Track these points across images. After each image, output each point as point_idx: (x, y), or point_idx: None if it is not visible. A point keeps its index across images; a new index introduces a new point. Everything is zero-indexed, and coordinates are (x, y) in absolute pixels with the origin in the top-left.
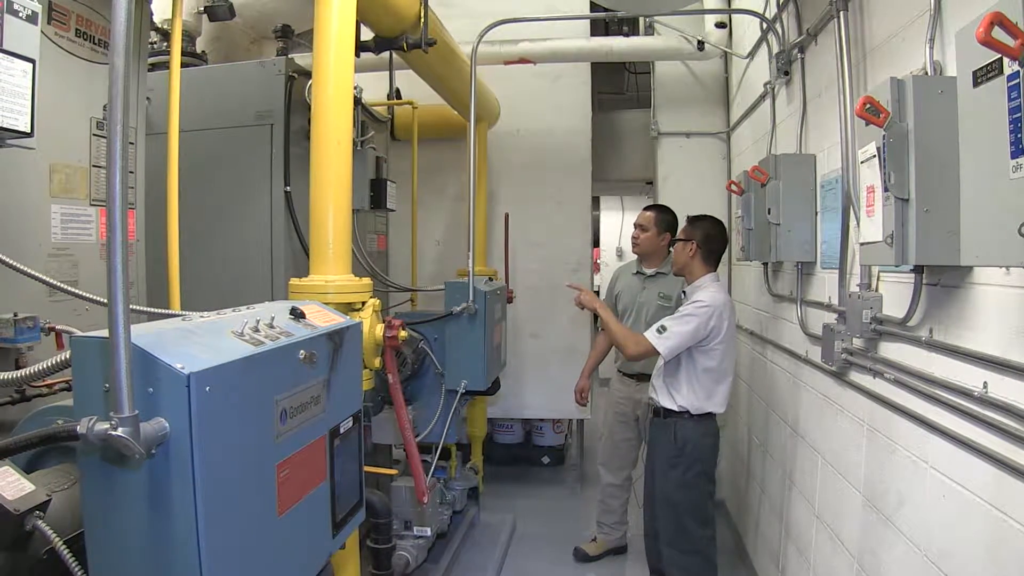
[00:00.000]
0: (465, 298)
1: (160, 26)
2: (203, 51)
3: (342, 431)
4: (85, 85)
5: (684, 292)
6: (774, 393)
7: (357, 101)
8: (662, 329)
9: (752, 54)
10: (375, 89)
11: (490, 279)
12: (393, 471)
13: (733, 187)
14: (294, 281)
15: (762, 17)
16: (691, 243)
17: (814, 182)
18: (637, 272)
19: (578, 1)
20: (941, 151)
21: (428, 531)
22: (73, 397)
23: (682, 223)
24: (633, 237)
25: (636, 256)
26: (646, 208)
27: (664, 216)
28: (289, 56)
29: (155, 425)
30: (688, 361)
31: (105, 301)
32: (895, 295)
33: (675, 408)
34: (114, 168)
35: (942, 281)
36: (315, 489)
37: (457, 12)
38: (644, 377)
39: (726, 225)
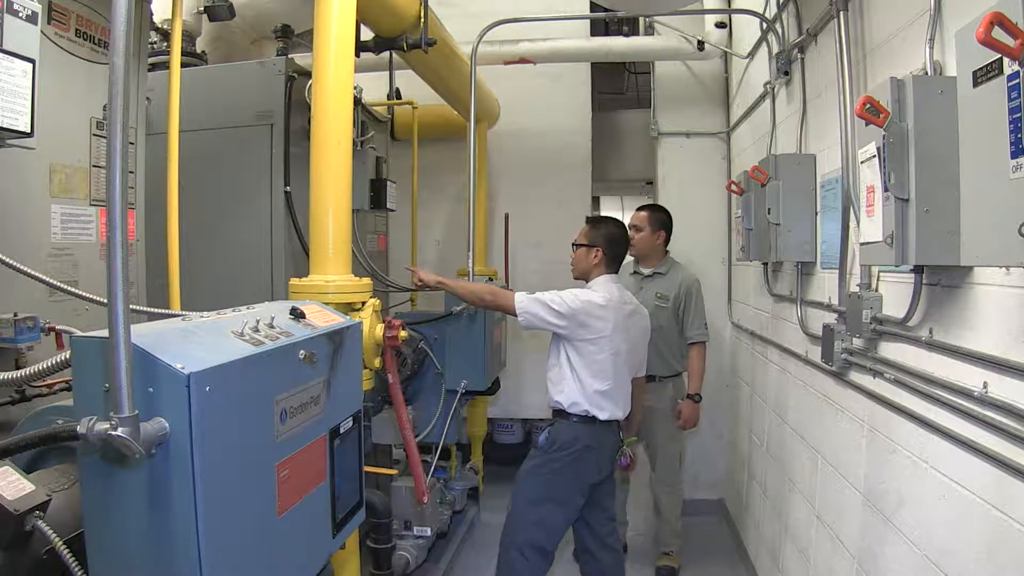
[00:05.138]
0: None
1: (160, 26)
2: (203, 51)
3: (342, 431)
4: (85, 85)
5: None
6: (774, 393)
7: (357, 101)
8: (532, 292)
9: (752, 54)
10: (375, 89)
11: (490, 279)
12: (393, 471)
13: (733, 187)
14: (294, 281)
15: (762, 17)
16: (596, 249)
17: (814, 182)
18: (634, 272)
19: (578, 1)
20: (941, 151)
21: (428, 531)
22: (73, 397)
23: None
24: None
25: (633, 257)
26: (639, 208)
27: (658, 215)
28: (289, 56)
29: (155, 425)
30: (567, 355)
31: (105, 301)
32: (895, 295)
33: (557, 406)
34: (114, 168)
35: (942, 281)
36: (315, 489)
37: (457, 12)
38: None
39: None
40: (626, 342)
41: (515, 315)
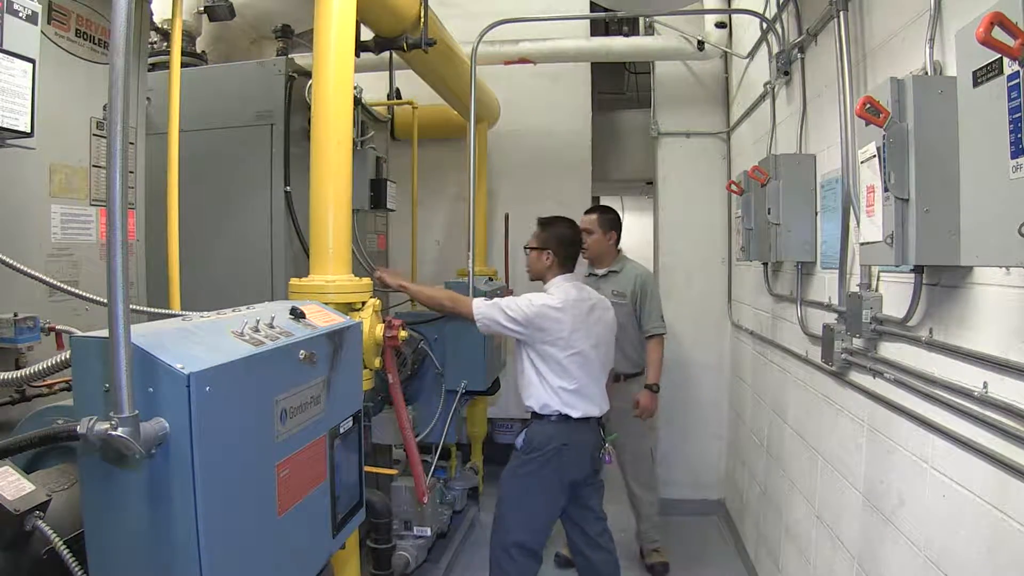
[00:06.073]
0: None
1: (160, 26)
2: (203, 51)
3: (342, 431)
4: (85, 85)
5: None
6: (774, 393)
7: (357, 101)
8: (491, 298)
9: (752, 54)
10: (375, 89)
11: (490, 279)
12: (393, 471)
13: (733, 187)
14: (294, 281)
15: (762, 17)
16: (547, 252)
17: (814, 182)
18: (590, 274)
19: (578, 1)
20: (941, 151)
21: (428, 531)
22: (73, 397)
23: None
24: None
25: (587, 260)
26: (587, 211)
27: (607, 216)
28: (289, 56)
29: (155, 425)
30: (530, 359)
31: (105, 301)
32: (895, 295)
33: (530, 410)
34: (114, 168)
35: (942, 281)
36: (315, 489)
37: (457, 12)
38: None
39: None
40: (589, 339)
41: (473, 321)
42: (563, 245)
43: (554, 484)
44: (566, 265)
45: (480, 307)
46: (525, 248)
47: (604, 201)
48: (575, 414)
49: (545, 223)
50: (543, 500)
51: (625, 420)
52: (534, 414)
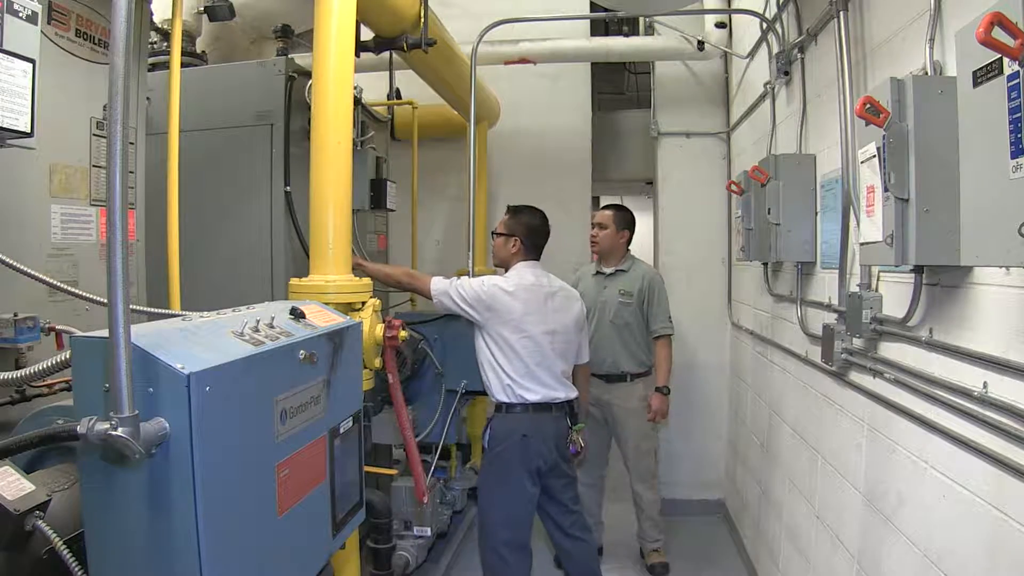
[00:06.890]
0: None
1: (160, 26)
2: (203, 51)
3: (342, 431)
4: (85, 85)
5: None
6: (774, 393)
7: (357, 101)
8: (451, 279)
9: (752, 54)
10: (375, 89)
11: None
12: (393, 471)
13: (733, 187)
14: (294, 281)
15: (762, 17)
16: (514, 238)
17: (814, 182)
18: (597, 272)
19: (578, 1)
20: (941, 151)
21: (428, 531)
22: (73, 397)
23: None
24: (592, 236)
25: (596, 256)
26: (603, 207)
27: (623, 215)
28: (289, 56)
29: (155, 425)
30: (485, 342)
31: (105, 301)
32: (895, 295)
33: (492, 398)
34: (114, 168)
35: (942, 281)
36: (315, 489)
37: (457, 12)
38: (613, 378)
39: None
40: (542, 325)
41: (431, 299)
42: (530, 233)
43: (522, 475)
44: (531, 254)
45: (437, 284)
46: (492, 233)
47: (604, 201)
48: (532, 397)
49: (515, 210)
50: (516, 494)
51: (629, 421)
52: (497, 406)
